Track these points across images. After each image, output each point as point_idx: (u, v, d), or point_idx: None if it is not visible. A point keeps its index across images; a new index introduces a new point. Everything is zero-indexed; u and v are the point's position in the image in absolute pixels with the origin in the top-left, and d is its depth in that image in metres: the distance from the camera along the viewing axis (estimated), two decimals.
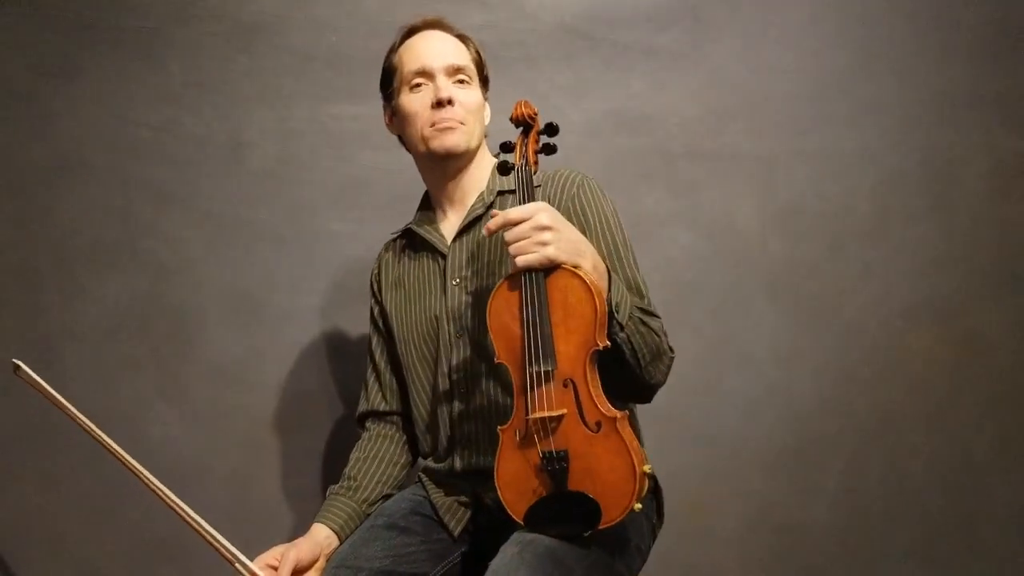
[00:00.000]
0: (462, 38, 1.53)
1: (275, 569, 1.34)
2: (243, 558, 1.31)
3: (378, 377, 1.60)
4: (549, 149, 1.31)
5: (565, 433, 1.20)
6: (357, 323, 1.99)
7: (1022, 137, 2.06)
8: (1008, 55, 2.06)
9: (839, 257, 2.03)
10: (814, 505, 2.00)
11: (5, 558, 1.89)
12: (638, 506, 1.18)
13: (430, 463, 1.51)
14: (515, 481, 1.24)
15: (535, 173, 1.31)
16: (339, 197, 2.01)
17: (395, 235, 1.63)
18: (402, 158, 1.95)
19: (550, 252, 1.19)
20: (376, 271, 1.63)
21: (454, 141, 1.45)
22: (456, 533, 1.44)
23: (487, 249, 1.45)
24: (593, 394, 1.20)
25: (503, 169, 1.32)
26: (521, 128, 1.33)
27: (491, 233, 1.24)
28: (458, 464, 1.43)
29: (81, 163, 1.97)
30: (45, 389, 1.40)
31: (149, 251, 1.97)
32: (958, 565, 2.00)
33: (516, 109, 1.32)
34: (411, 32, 1.52)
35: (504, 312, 1.24)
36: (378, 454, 1.54)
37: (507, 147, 1.33)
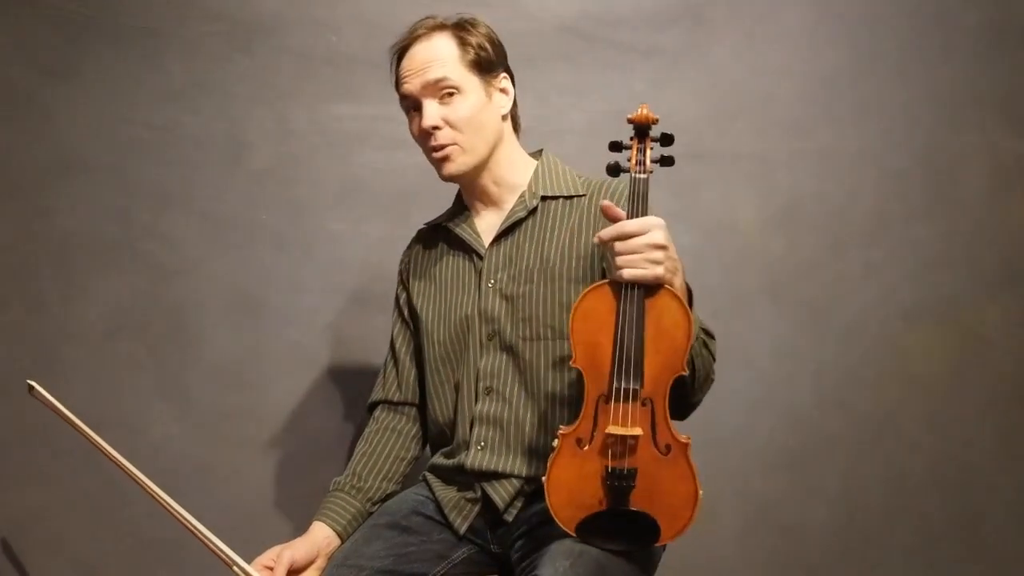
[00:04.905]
0: (459, 29, 1.43)
1: (271, 570, 1.33)
2: (241, 562, 1.31)
3: (396, 365, 1.57)
4: (667, 161, 1.26)
5: (637, 452, 1.19)
6: (357, 323, 1.99)
7: (1022, 137, 2.06)
8: (1008, 55, 2.06)
9: (839, 257, 2.03)
10: (814, 505, 2.00)
11: (5, 558, 1.89)
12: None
13: (440, 459, 1.49)
14: (567, 488, 1.22)
15: (648, 182, 1.25)
16: (339, 197, 2.01)
17: (427, 225, 1.60)
18: (402, 158, 1.96)
19: (660, 272, 1.17)
20: (406, 260, 1.61)
21: (450, 170, 1.43)
22: (462, 531, 1.42)
23: (527, 253, 1.43)
24: (667, 417, 1.21)
25: (612, 171, 1.26)
26: (636, 132, 1.27)
27: (603, 242, 1.20)
28: (471, 463, 1.41)
29: (81, 163, 1.97)
30: (59, 409, 1.41)
31: (149, 251, 1.97)
32: (958, 565, 2.00)
33: (639, 111, 1.26)
34: (400, 53, 1.46)
35: (593, 318, 1.21)
36: (384, 449, 1.53)
37: (617, 146, 1.27)
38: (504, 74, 1.48)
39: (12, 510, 1.90)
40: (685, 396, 1.30)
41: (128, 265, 1.97)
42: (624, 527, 1.20)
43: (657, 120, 1.27)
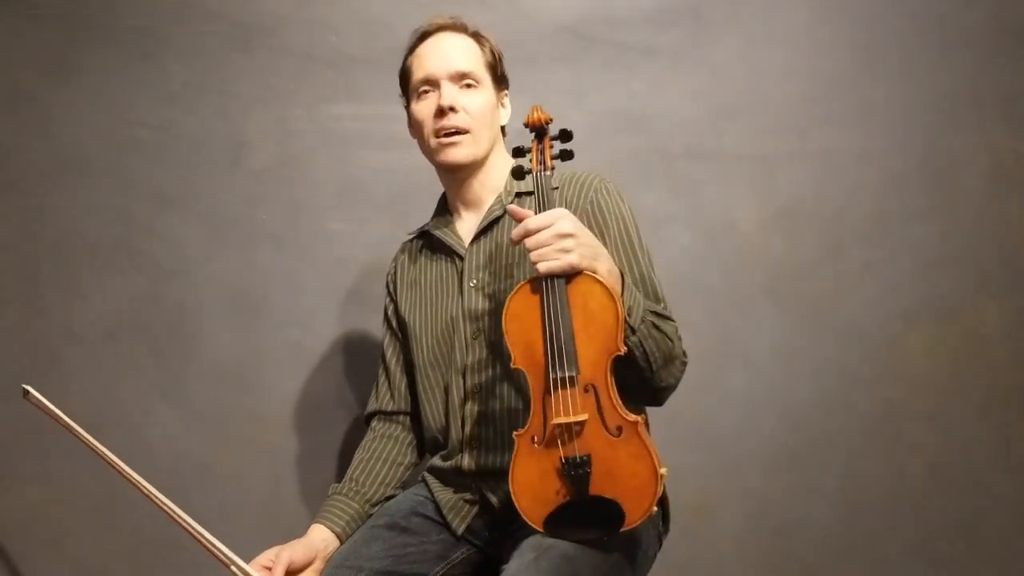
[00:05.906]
0: (477, 37, 1.51)
1: (269, 570, 1.34)
2: (240, 562, 1.31)
3: (388, 376, 1.60)
4: (566, 155, 1.31)
5: (587, 438, 1.20)
6: (357, 323, 1.99)
7: (1022, 137, 2.06)
8: (1008, 55, 2.06)
9: (839, 257, 2.03)
10: (814, 505, 2.00)
11: (5, 558, 1.89)
12: (655, 508, 1.20)
13: (437, 461, 1.50)
14: (531, 487, 1.23)
15: (552, 178, 1.31)
16: (339, 197, 2.01)
17: (411, 236, 1.63)
18: (402, 158, 1.96)
19: (572, 259, 1.20)
20: (392, 271, 1.64)
21: (457, 156, 1.46)
22: (459, 531, 1.43)
23: (505, 251, 1.45)
24: (613, 399, 1.21)
25: (518, 174, 1.33)
26: (535, 133, 1.33)
27: (516, 243, 1.24)
28: (467, 463, 1.43)
29: (81, 163, 1.97)
30: (54, 412, 1.41)
31: (149, 251, 1.97)
32: (958, 565, 2.00)
33: (532, 114, 1.33)
34: (422, 37, 1.51)
35: (523, 317, 1.24)
36: (381, 455, 1.54)
37: (520, 152, 1.34)
38: (507, 91, 1.56)
39: (12, 510, 1.90)
40: (646, 380, 1.30)
41: (128, 265, 1.97)
42: (590, 515, 1.21)
43: (552, 119, 1.33)
